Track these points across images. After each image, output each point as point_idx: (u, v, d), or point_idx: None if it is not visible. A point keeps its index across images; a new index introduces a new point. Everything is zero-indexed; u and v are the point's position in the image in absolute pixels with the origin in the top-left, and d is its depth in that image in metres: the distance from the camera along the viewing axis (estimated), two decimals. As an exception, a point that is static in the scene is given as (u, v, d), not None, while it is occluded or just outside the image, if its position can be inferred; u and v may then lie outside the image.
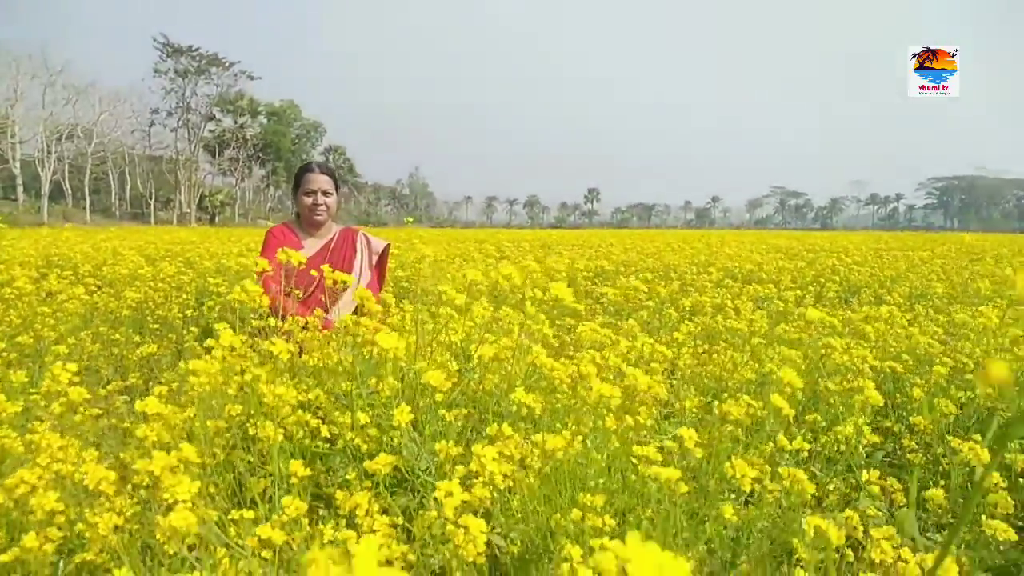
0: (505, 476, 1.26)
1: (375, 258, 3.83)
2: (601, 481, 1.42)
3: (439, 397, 1.47)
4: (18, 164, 48.61)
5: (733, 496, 1.66)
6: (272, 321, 2.17)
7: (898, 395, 2.59)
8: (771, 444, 1.65)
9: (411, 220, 10.54)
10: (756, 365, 2.63)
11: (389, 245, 3.93)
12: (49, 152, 51.45)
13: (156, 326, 4.31)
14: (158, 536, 1.18)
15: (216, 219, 62.29)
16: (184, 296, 4.81)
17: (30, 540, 1.12)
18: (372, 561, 0.46)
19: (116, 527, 1.21)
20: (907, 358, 2.72)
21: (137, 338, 4.00)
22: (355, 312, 3.51)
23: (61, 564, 1.33)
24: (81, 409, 1.58)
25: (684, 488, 1.13)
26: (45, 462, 1.42)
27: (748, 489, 1.29)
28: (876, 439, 2.06)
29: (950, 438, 1.83)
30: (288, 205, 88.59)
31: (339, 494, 1.41)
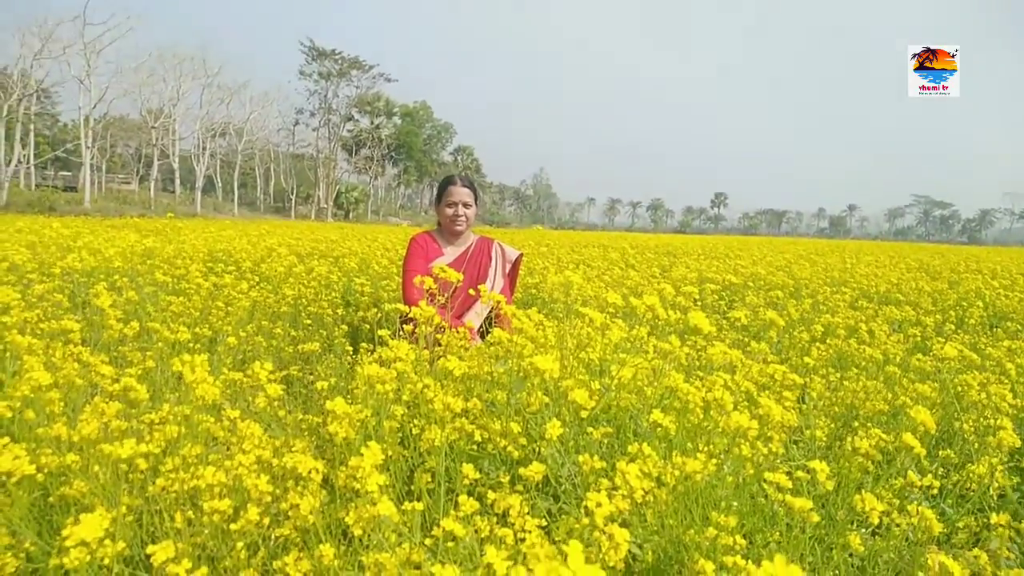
0: (645, 491, 1.40)
1: (508, 266, 4.08)
2: (735, 503, 1.53)
3: (584, 415, 1.62)
4: (176, 159, 52.72)
5: (861, 528, 1.73)
6: (423, 328, 2.37)
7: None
8: (901, 479, 1.70)
9: (540, 228, 10.75)
10: (889, 395, 2.63)
11: (522, 255, 4.16)
12: (204, 148, 55.50)
13: (308, 321, 4.70)
14: (347, 518, 1.40)
15: (350, 215, 65.20)
16: (333, 294, 5.20)
17: (252, 513, 1.36)
18: (580, 558, 0.62)
19: (312, 509, 1.44)
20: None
21: (293, 332, 4.39)
22: (488, 316, 3.75)
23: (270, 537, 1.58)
24: (276, 404, 1.84)
25: (816, 518, 1.24)
26: (249, 448, 1.69)
27: (876, 522, 1.37)
28: (1006, 481, 2.03)
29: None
30: (417, 203, 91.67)
31: (491, 494, 1.60)
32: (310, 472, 1.37)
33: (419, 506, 1.49)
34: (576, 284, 2.01)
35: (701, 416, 1.85)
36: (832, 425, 2.49)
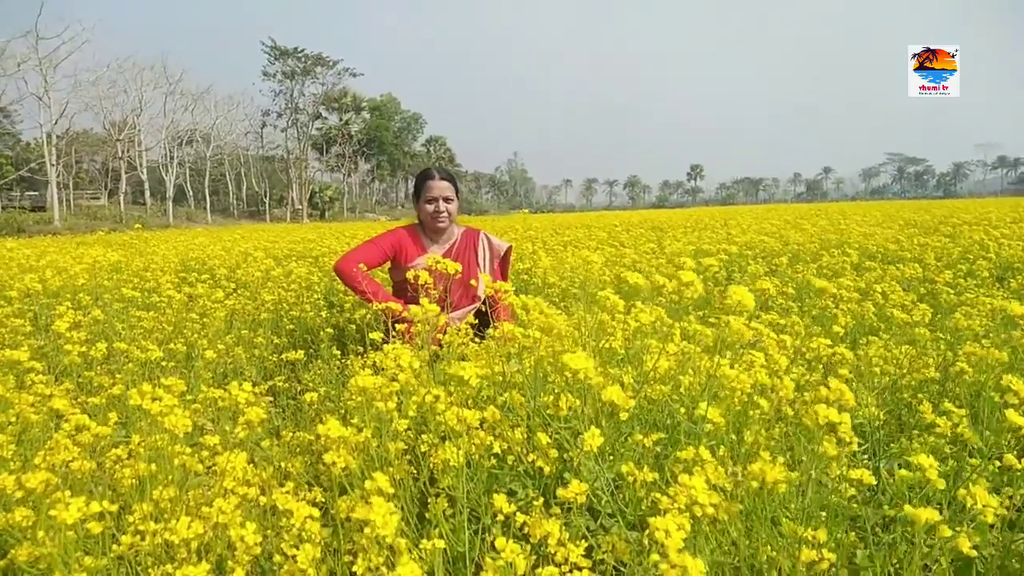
0: (713, 506, 1.15)
1: (496, 261, 3.81)
2: (823, 513, 1.29)
3: (623, 416, 1.37)
4: (144, 170, 51.73)
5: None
6: (420, 327, 2.12)
7: None
8: (996, 463, 1.47)
9: (526, 212, 10.46)
10: (933, 361, 2.41)
11: (511, 247, 3.89)
12: (172, 157, 54.46)
13: (291, 326, 4.42)
14: (356, 568, 1.15)
15: (326, 214, 64.43)
16: (315, 296, 4.91)
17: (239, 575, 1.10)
18: None
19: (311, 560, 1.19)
20: None
21: (276, 340, 4.11)
22: (479, 314, 3.49)
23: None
24: (259, 428, 1.58)
25: (947, 532, 1.00)
26: (231, 485, 1.43)
27: (991, 521, 1.13)
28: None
29: None
30: (392, 197, 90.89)
31: (521, 517, 1.35)
32: (305, 520, 1.11)
33: (440, 543, 1.24)
34: (597, 264, 1.75)
35: (746, 404, 1.62)
36: (877, 396, 2.25)
